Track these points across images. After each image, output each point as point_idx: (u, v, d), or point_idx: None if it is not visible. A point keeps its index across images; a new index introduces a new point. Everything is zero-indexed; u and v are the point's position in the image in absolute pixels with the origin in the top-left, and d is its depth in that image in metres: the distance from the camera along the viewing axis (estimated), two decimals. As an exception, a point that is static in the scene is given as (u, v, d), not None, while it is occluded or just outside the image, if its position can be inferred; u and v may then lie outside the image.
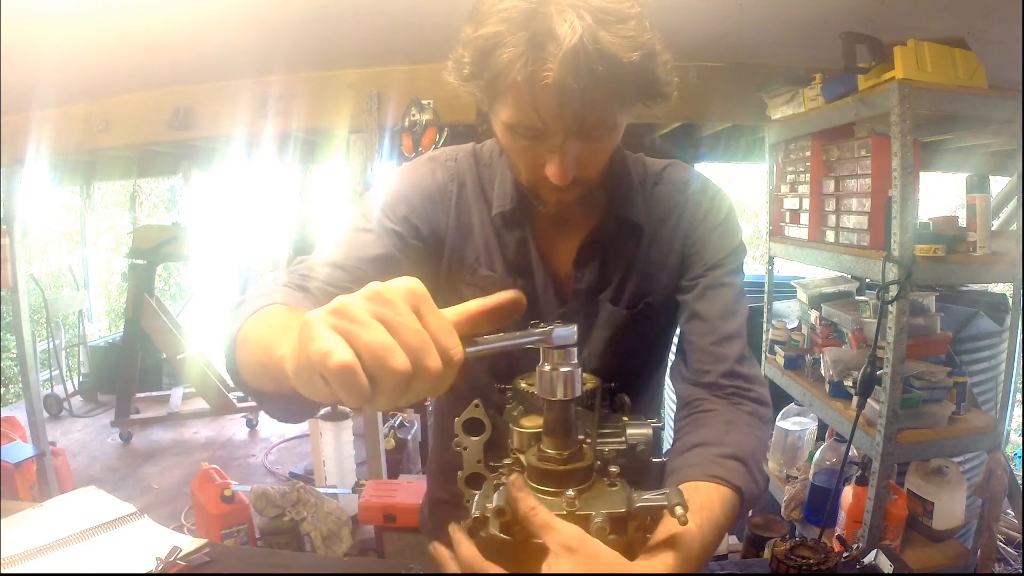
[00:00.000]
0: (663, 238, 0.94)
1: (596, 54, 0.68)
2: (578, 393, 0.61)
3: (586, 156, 0.79)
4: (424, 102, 2.55)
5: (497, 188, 0.93)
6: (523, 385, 0.77)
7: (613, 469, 0.64)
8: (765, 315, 2.56)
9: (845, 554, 1.08)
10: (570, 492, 0.61)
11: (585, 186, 0.83)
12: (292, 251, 3.80)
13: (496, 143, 0.94)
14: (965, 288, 2.66)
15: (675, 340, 1.02)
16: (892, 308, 1.69)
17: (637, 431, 0.73)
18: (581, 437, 0.66)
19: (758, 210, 7.58)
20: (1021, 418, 3.73)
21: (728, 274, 0.93)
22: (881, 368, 1.74)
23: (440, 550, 0.65)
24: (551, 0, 0.69)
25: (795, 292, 2.48)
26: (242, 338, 0.66)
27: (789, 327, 2.45)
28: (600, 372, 0.80)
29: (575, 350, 0.58)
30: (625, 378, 0.85)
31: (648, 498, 0.62)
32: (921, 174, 1.90)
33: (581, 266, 0.93)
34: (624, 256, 0.93)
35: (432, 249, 0.93)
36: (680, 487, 0.62)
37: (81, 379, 5.27)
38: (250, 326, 0.65)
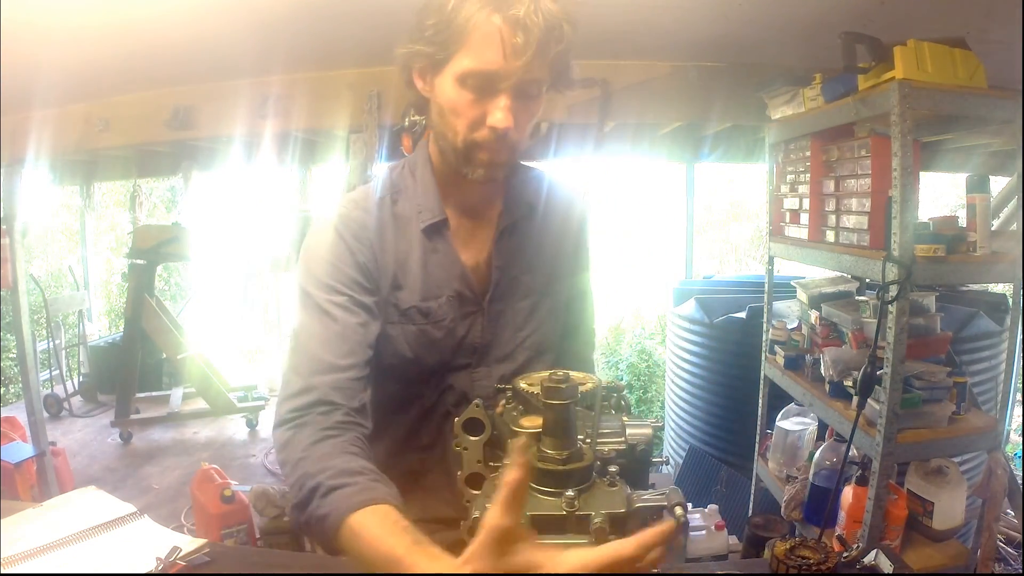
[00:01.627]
0: (560, 224, 1.12)
1: (547, 11, 0.85)
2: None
3: (521, 114, 0.90)
4: (424, 102, 2.54)
5: (421, 198, 1.03)
6: (522, 385, 0.77)
7: (613, 469, 0.64)
8: (765, 315, 2.56)
9: (845, 554, 1.08)
10: (569, 492, 0.61)
11: (512, 148, 0.94)
12: (292, 251, 3.80)
13: (401, 165, 1.08)
14: (965, 288, 2.66)
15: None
16: (892, 308, 1.69)
17: (637, 431, 0.73)
18: (580, 437, 0.66)
19: (758, 210, 7.59)
20: (1021, 418, 3.73)
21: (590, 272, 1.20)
22: (881, 368, 1.74)
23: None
24: None
25: (795, 292, 2.48)
26: (344, 534, 0.71)
27: (789, 327, 2.45)
28: (526, 343, 1.07)
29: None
30: (544, 347, 1.10)
31: (647, 498, 0.62)
32: (921, 174, 1.90)
33: (502, 246, 1.05)
34: (530, 235, 1.08)
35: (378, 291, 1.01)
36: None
37: (81, 379, 5.27)
38: (350, 532, 0.71)
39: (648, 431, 0.74)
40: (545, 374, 0.73)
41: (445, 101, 0.91)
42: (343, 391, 0.89)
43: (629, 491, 0.64)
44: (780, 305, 2.74)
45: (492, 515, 0.54)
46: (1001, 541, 2.64)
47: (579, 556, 0.55)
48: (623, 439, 0.72)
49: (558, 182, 1.14)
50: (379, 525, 0.68)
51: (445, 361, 1.04)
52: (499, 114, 0.87)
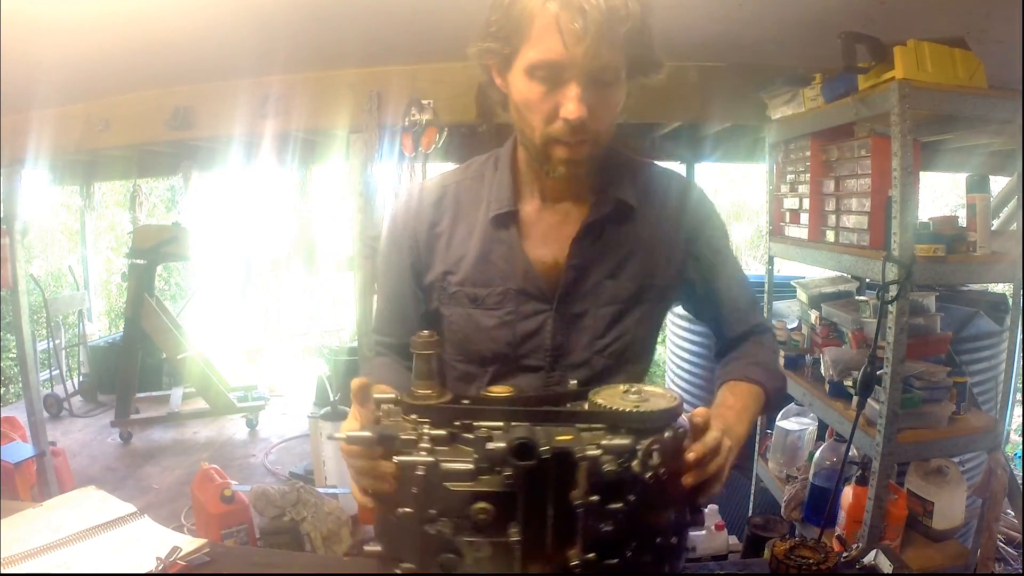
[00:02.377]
0: (661, 223, 1.03)
1: (623, 7, 0.82)
2: None
3: (597, 104, 0.86)
4: (424, 102, 2.54)
5: (496, 188, 1.02)
6: (599, 401, 0.76)
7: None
8: (765, 315, 2.56)
9: (845, 554, 1.08)
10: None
11: (594, 142, 0.90)
12: (292, 250, 3.81)
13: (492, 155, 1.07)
14: (965, 288, 2.66)
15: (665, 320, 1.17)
16: (892, 308, 1.69)
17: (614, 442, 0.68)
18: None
19: (758, 210, 7.59)
20: (1021, 418, 3.73)
21: (729, 254, 1.10)
22: (881, 368, 1.74)
23: None
24: None
25: (795, 292, 2.48)
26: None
27: (789, 327, 2.45)
28: (606, 352, 1.01)
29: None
30: (629, 356, 1.04)
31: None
32: (921, 174, 1.90)
33: (579, 247, 0.99)
34: (621, 236, 1.01)
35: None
36: (721, 389, 0.99)
37: (81, 379, 5.27)
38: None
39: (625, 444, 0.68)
40: (621, 388, 0.75)
41: (518, 96, 0.90)
42: (394, 347, 1.10)
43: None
44: (780, 305, 2.74)
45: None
46: (1001, 541, 2.64)
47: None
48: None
49: (660, 174, 1.08)
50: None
51: (505, 355, 1.02)
52: (570, 105, 0.84)
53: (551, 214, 1.02)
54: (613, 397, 0.73)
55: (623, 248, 1.01)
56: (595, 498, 0.65)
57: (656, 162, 1.13)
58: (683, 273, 1.05)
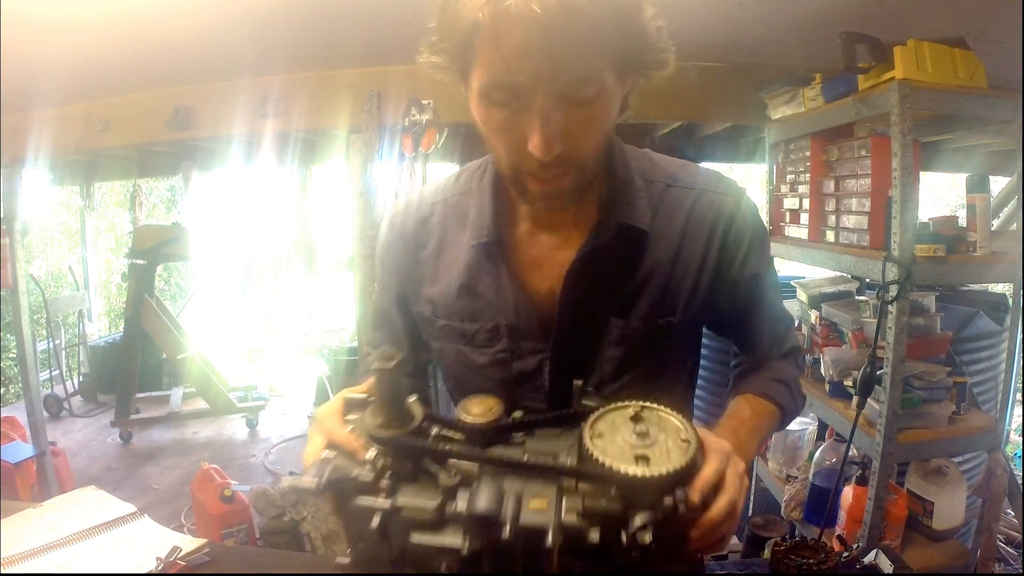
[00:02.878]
0: (685, 246, 0.85)
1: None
2: None
3: (573, 126, 0.69)
4: (424, 102, 2.54)
5: (477, 213, 0.87)
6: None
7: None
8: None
9: (845, 554, 1.08)
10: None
11: (577, 170, 0.74)
12: (292, 250, 3.81)
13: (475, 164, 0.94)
14: (965, 288, 2.66)
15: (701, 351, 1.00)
16: (892, 308, 1.69)
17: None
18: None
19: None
20: (1021, 418, 3.73)
21: (768, 275, 0.92)
22: (881, 368, 1.74)
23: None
24: None
25: (795, 292, 2.48)
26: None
27: (789, 327, 2.44)
28: (620, 397, 0.70)
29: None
30: (650, 398, 0.84)
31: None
32: (921, 174, 1.90)
33: (576, 280, 0.82)
34: (630, 265, 0.83)
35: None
36: (736, 398, 0.89)
37: (81, 379, 5.27)
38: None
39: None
40: (629, 413, 0.63)
41: (479, 120, 0.75)
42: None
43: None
44: (780, 305, 2.73)
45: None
46: (1001, 541, 2.64)
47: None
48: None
49: (688, 182, 0.87)
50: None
51: (508, 395, 0.84)
52: (535, 138, 0.68)
53: (548, 236, 0.86)
54: (613, 438, 0.60)
55: (633, 279, 0.83)
56: (572, 569, 0.57)
57: (693, 163, 0.92)
58: (713, 302, 0.87)
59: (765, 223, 0.94)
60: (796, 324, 2.44)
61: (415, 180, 2.58)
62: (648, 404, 0.63)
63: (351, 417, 0.69)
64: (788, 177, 2.36)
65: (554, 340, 0.85)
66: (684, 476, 0.58)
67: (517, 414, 0.66)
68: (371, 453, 0.62)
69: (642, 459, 0.58)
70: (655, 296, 0.84)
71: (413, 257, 0.93)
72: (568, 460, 0.60)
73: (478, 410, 0.65)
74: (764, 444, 0.87)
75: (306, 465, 0.67)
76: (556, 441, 0.64)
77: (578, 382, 0.69)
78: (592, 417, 0.62)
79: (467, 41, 0.68)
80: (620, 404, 0.64)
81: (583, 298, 0.83)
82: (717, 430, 0.76)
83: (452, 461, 0.62)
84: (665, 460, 0.57)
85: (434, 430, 0.65)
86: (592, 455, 0.58)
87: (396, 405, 0.64)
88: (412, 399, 0.66)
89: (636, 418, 0.62)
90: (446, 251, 0.90)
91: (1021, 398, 3.35)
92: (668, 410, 0.63)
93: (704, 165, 1.00)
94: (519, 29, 0.63)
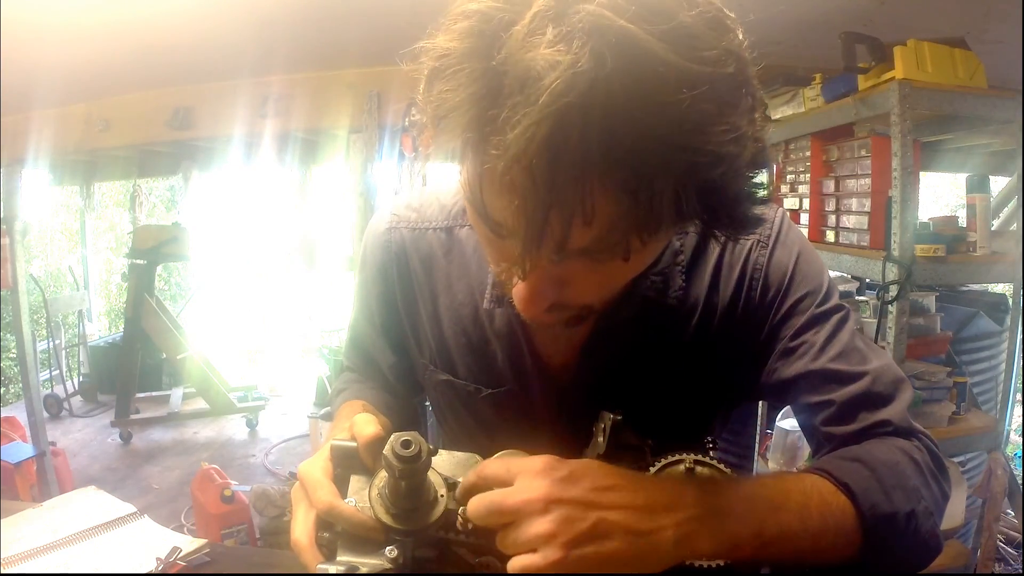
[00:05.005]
0: (706, 313, 0.69)
1: (614, 115, 0.39)
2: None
3: (580, 280, 0.51)
4: (424, 102, 2.54)
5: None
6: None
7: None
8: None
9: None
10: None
11: (590, 311, 0.56)
12: (292, 250, 3.81)
13: None
14: (965, 288, 2.66)
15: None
16: (892, 308, 1.69)
17: None
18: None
19: (758, 210, 7.56)
20: (1021, 418, 3.73)
21: (825, 323, 0.69)
22: (881, 368, 1.74)
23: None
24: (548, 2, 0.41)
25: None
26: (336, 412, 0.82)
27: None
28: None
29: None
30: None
31: None
32: (921, 174, 1.90)
33: (591, 355, 0.70)
34: (657, 340, 0.69)
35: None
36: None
37: (81, 379, 5.27)
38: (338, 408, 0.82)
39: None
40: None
41: (472, 221, 0.56)
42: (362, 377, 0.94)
43: None
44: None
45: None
46: (1001, 541, 2.64)
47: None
48: None
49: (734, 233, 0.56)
50: (344, 413, 0.77)
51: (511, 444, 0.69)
52: (519, 296, 0.52)
53: None
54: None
55: (657, 351, 0.70)
56: None
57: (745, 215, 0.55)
58: (759, 371, 0.69)
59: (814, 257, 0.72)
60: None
61: (415, 180, 2.58)
62: (700, 457, 0.56)
63: (355, 487, 0.56)
64: (788, 177, 2.36)
65: (569, 410, 0.73)
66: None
67: None
68: (391, 551, 0.52)
69: None
70: (679, 366, 0.71)
71: (408, 288, 0.79)
72: None
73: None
74: (855, 549, 0.54)
75: (299, 547, 0.55)
76: None
77: (617, 416, 0.58)
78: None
79: (456, 148, 0.47)
80: (672, 459, 0.56)
81: (601, 370, 0.71)
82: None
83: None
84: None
85: (462, 512, 0.54)
86: None
87: (414, 498, 0.53)
88: (416, 439, 0.51)
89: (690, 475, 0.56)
90: (449, 294, 0.76)
91: (1021, 398, 3.35)
92: (720, 465, 0.56)
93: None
94: (507, 198, 0.44)
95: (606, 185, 0.42)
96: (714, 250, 0.69)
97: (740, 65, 0.45)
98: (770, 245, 0.69)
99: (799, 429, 2.43)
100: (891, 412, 0.63)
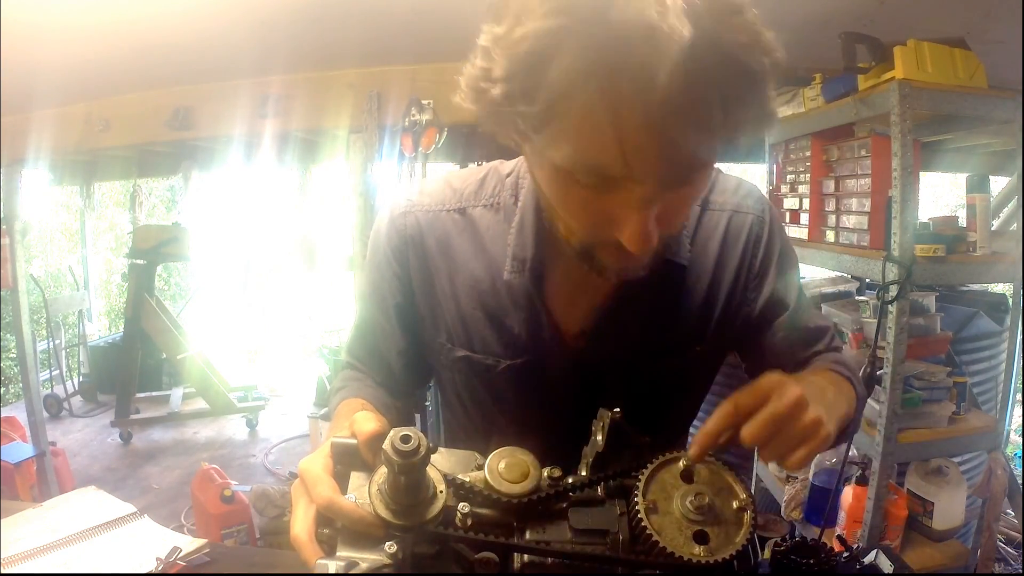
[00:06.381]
0: (717, 276, 0.80)
1: (717, 66, 0.49)
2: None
3: (676, 208, 0.60)
4: (424, 102, 2.55)
5: (514, 243, 0.77)
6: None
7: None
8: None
9: (845, 554, 1.08)
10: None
11: (662, 245, 0.64)
12: (292, 250, 3.81)
13: (511, 178, 0.81)
14: (965, 288, 2.66)
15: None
16: (892, 308, 1.69)
17: None
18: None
19: (758, 210, 7.56)
20: (1021, 418, 3.73)
21: (800, 294, 0.85)
22: (881, 368, 1.74)
23: None
24: None
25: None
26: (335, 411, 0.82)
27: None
28: (641, 425, 0.65)
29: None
30: (668, 428, 0.88)
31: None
32: (921, 174, 1.90)
33: (608, 318, 0.78)
34: (664, 299, 0.78)
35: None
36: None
37: (81, 379, 5.27)
38: (337, 406, 0.83)
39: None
40: (679, 469, 0.58)
41: (548, 186, 0.62)
42: (365, 373, 0.93)
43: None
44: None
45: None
46: (1001, 541, 2.64)
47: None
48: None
49: (716, 210, 0.81)
50: (343, 411, 0.78)
51: (525, 428, 0.79)
52: (632, 232, 0.57)
53: (581, 269, 0.70)
54: (668, 508, 0.56)
55: (667, 313, 0.79)
56: None
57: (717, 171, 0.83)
58: (740, 328, 0.84)
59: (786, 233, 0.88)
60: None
61: (414, 184, 2.58)
62: (693, 462, 0.59)
63: (355, 483, 0.58)
64: (788, 177, 2.36)
65: (583, 378, 0.80)
66: (744, 554, 0.55)
67: (555, 472, 0.59)
68: (390, 546, 0.53)
69: (700, 535, 0.55)
70: (687, 327, 0.80)
71: (424, 268, 0.82)
72: (620, 537, 0.56)
73: (511, 474, 0.57)
74: (850, 421, 0.74)
75: (299, 543, 0.56)
76: (603, 511, 0.58)
77: (616, 413, 0.60)
78: (642, 480, 0.57)
79: (552, 100, 0.51)
80: (669, 456, 0.59)
81: (615, 336, 0.78)
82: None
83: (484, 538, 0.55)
84: (724, 536, 0.55)
85: (461, 508, 0.55)
86: (648, 534, 0.54)
87: (413, 494, 0.54)
88: (415, 434, 0.52)
89: (687, 476, 0.58)
90: (467, 270, 0.80)
91: (1021, 398, 3.35)
92: (718, 463, 0.60)
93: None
94: (654, 137, 0.50)
95: (715, 96, 0.50)
96: (719, 223, 0.81)
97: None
98: (767, 221, 0.83)
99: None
100: (837, 342, 0.90)
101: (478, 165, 0.89)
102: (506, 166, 0.83)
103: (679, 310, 0.79)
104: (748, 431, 0.55)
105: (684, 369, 0.83)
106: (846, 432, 0.75)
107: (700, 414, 0.90)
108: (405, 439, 0.50)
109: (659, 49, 0.46)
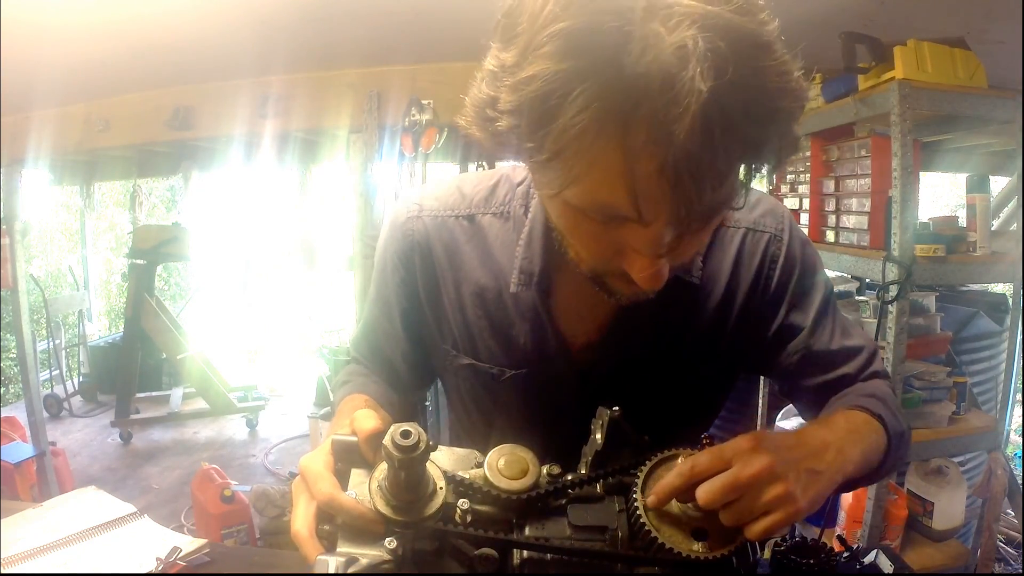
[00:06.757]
0: (730, 294, 0.78)
1: (740, 114, 0.47)
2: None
3: (689, 244, 0.58)
4: (424, 102, 2.55)
5: (521, 255, 0.76)
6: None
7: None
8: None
9: (845, 554, 1.08)
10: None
11: (673, 273, 0.61)
12: (292, 250, 3.81)
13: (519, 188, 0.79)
14: (965, 288, 2.66)
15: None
16: (892, 308, 1.69)
17: None
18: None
19: (758, 210, 7.56)
20: (1021, 418, 3.73)
21: (827, 309, 0.82)
22: (881, 368, 1.74)
23: None
24: (637, 3, 0.45)
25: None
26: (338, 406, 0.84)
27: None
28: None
29: None
30: (675, 443, 0.81)
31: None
32: (921, 174, 1.90)
33: (616, 333, 0.77)
34: (674, 316, 0.76)
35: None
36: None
37: (81, 379, 5.27)
38: (340, 401, 0.84)
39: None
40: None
41: (556, 218, 0.62)
42: (370, 369, 0.94)
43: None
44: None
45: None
46: (1001, 541, 2.64)
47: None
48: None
49: (731, 227, 0.78)
50: (345, 408, 0.79)
51: (528, 429, 0.75)
52: (646, 269, 0.56)
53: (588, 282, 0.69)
54: (667, 505, 0.57)
55: (676, 330, 0.78)
56: None
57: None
58: (754, 349, 0.81)
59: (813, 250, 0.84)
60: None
61: (415, 180, 2.58)
62: (693, 452, 0.59)
63: (355, 480, 0.58)
64: (788, 177, 2.36)
65: (587, 391, 0.79)
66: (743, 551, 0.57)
67: (554, 469, 0.59)
68: (390, 542, 0.53)
69: (699, 532, 0.55)
70: (696, 346, 0.79)
71: (431, 275, 0.81)
72: (619, 533, 0.57)
73: (510, 471, 0.57)
74: (881, 462, 0.71)
75: (299, 539, 0.56)
76: (602, 508, 0.58)
77: (615, 411, 0.60)
78: (641, 478, 0.58)
79: (562, 141, 0.48)
80: (667, 454, 0.59)
81: (621, 350, 0.78)
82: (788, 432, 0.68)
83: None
84: (722, 532, 0.55)
85: (460, 504, 0.56)
86: (647, 530, 0.55)
87: (413, 490, 0.54)
88: (415, 430, 0.52)
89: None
90: (473, 279, 0.79)
91: (1021, 398, 3.35)
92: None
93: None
94: (664, 187, 0.48)
95: (736, 144, 0.48)
96: (733, 241, 0.78)
97: (771, 15, 0.51)
98: (785, 240, 0.79)
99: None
100: (878, 365, 0.86)
101: (478, 165, 0.88)
102: (518, 173, 0.81)
103: (688, 328, 0.78)
104: (701, 493, 0.55)
105: (692, 387, 0.82)
106: (878, 472, 0.73)
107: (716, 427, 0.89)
108: (405, 434, 0.51)
109: (677, 101, 0.44)
